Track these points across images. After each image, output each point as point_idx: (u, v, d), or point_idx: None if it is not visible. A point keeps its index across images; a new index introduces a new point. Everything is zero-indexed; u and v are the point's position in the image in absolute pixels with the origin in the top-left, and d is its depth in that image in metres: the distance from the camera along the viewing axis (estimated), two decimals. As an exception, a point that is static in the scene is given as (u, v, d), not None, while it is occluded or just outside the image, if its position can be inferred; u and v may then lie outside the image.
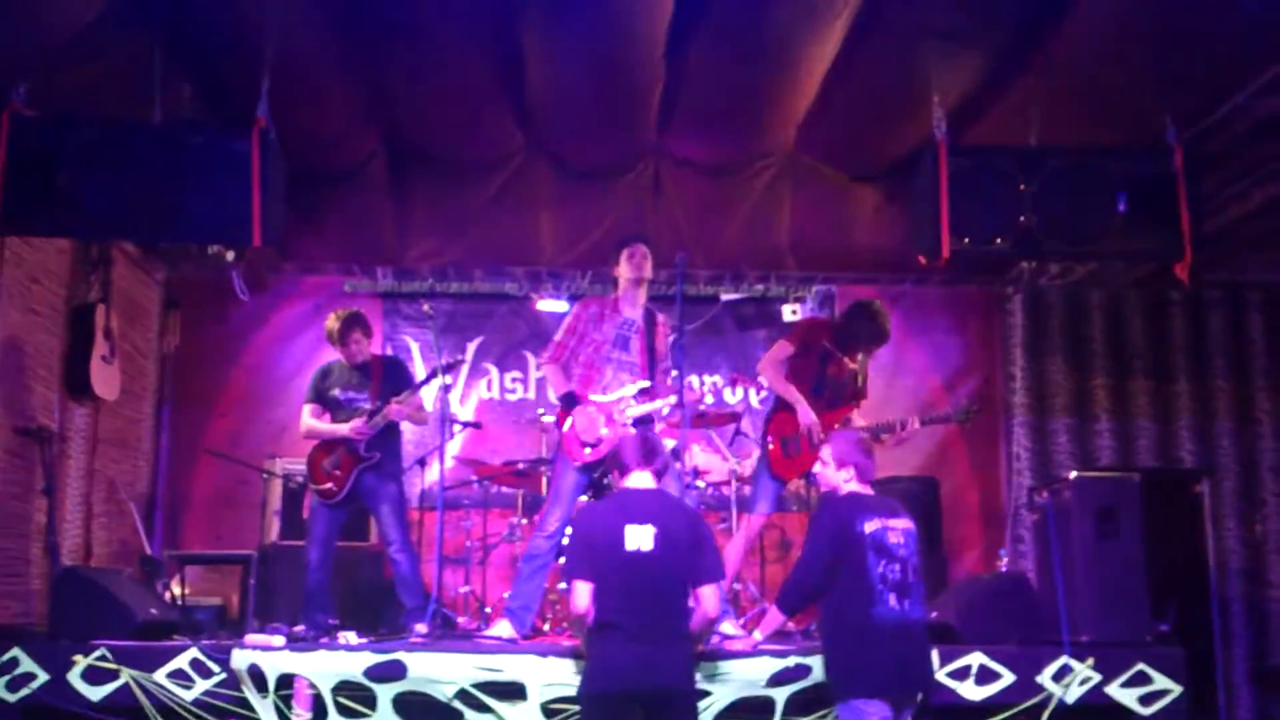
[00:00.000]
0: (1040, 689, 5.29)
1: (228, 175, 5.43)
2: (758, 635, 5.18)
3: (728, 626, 5.64)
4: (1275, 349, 8.59)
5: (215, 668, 5.14)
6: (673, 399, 5.68)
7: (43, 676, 5.16)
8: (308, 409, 6.46)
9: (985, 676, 5.29)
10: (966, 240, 5.68)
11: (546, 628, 6.83)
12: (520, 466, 7.59)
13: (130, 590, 5.93)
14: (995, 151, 5.84)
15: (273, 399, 8.56)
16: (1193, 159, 5.81)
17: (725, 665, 4.99)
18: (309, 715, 5.01)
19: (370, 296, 8.75)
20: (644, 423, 5.73)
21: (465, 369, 8.79)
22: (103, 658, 5.17)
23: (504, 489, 7.98)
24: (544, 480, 7.36)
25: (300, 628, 5.99)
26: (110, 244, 7.32)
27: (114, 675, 5.15)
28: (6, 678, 5.15)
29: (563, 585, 6.74)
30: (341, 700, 5.00)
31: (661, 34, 5.80)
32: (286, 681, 5.03)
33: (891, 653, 4.45)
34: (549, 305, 8.55)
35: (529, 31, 5.89)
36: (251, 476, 7.84)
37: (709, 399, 8.57)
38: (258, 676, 5.04)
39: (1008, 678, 5.29)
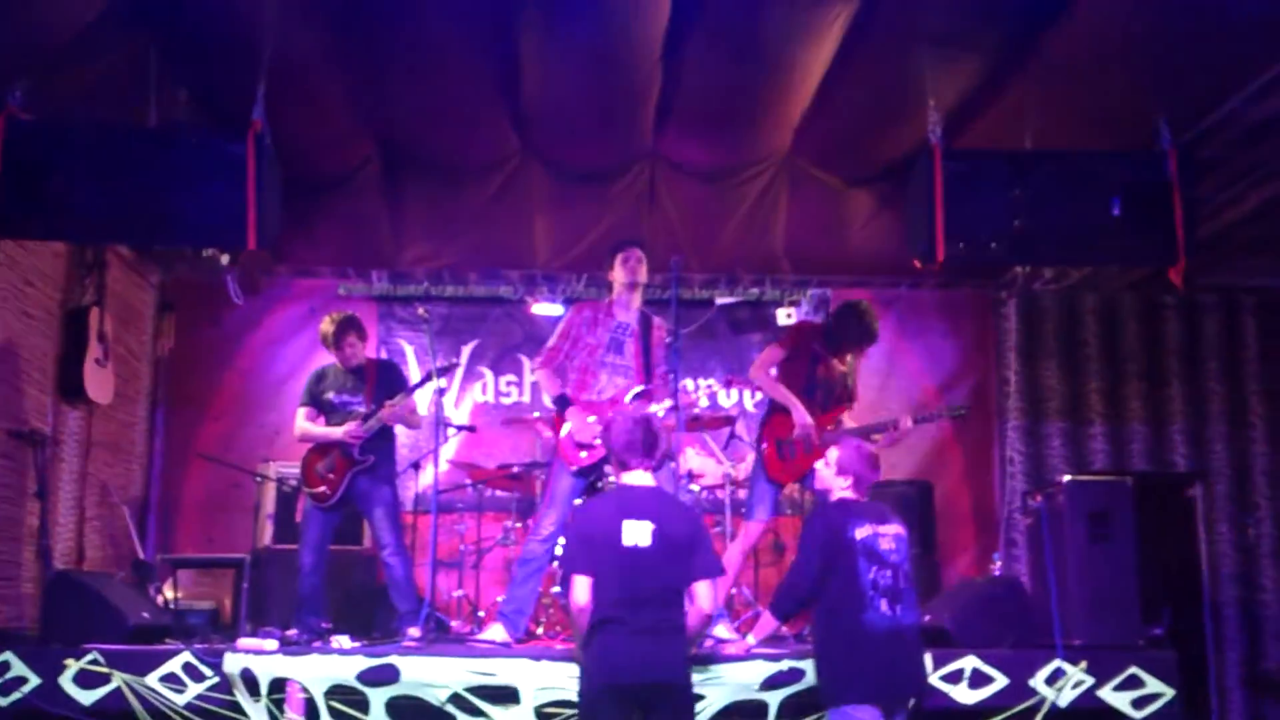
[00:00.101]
0: (1033, 693, 5.29)
1: (223, 178, 5.42)
2: (752, 639, 5.19)
3: (722, 630, 5.64)
4: (1269, 353, 8.63)
5: (208, 672, 5.12)
6: (668, 402, 5.68)
7: (34, 681, 5.14)
8: (302, 412, 6.46)
9: (978, 680, 5.29)
10: (961, 244, 5.69)
11: (540, 632, 6.83)
12: (514, 470, 7.60)
13: (122, 594, 5.91)
14: (990, 156, 5.86)
15: (267, 402, 8.56)
16: (1187, 163, 5.83)
17: (719, 669, 4.99)
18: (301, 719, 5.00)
19: (365, 300, 8.74)
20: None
21: (460, 372, 8.78)
22: (95, 662, 5.15)
23: (498, 493, 7.97)
24: (538, 484, 7.35)
25: (293, 631, 5.97)
26: (105, 247, 7.32)
27: (106, 679, 5.13)
28: (-2, 682, 5.14)
29: (556, 589, 6.75)
30: (334, 704, 4.98)
31: (658, 38, 5.80)
32: (279, 686, 5.01)
33: (883, 658, 4.45)
34: (544, 309, 8.54)
35: (525, 35, 5.89)
36: (245, 480, 7.83)
37: (704, 402, 8.57)
38: (250, 681, 5.03)
39: (1001, 681, 5.29)
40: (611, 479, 6.37)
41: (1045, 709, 5.25)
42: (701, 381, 8.80)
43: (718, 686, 4.96)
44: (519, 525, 7.58)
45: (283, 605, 6.55)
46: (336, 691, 5.00)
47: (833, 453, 4.83)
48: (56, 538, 6.91)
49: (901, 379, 8.83)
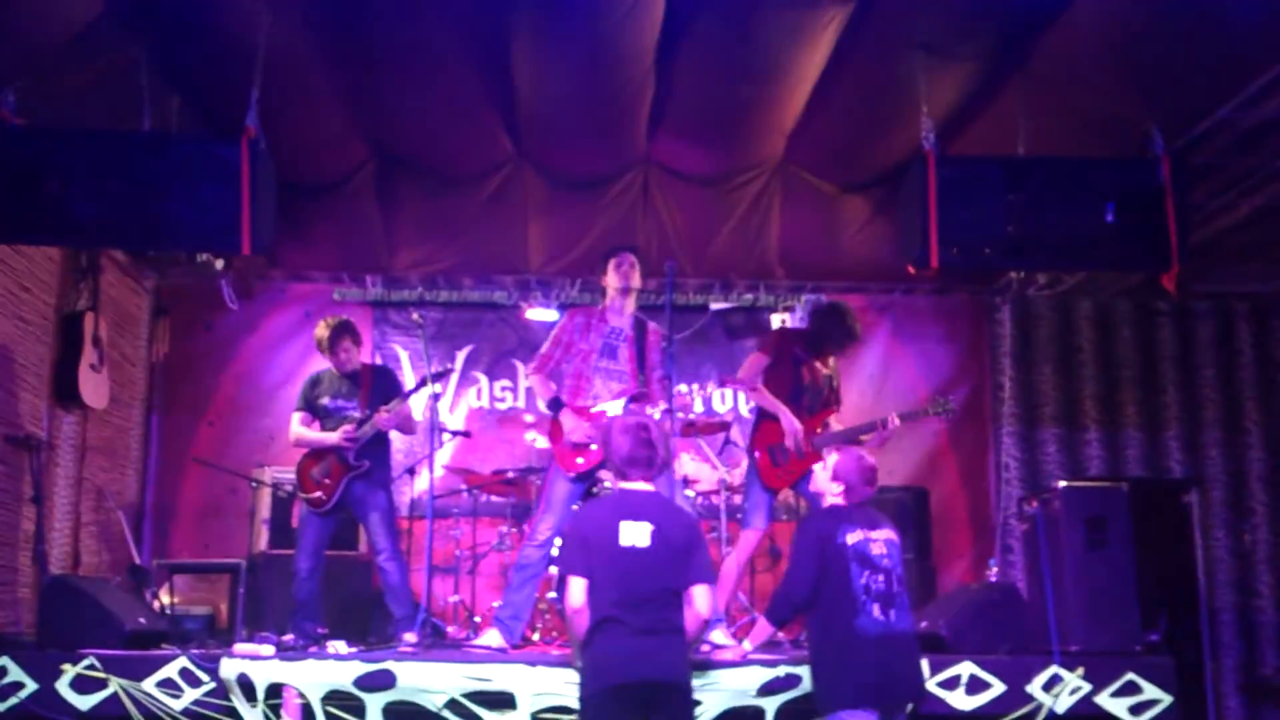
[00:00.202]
0: (1030, 699, 5.28)
1: (217, 183, 5.41)
2: (748, 645, 5.19)
3: (719, 636, 5.63)
4: (1263, 359, 8.64)
5: (204, 677, 5.11)
6: (664, 405, 5.68)
7: (31, 686, 5.12)
8: (297, 417, 6.45)
9: (975, 686, 5.29)
10: (955, 250, 5.69)
11: (536, 637, 6.82)
12: (510, 475, 7.59)
13: (119, 599, 5.91)
14: (983, 162, 5.86)
15: (262, 407, 8.54)
16: (1180, 170, 5.82)
17: (716, 674, 4.99)
18: (298, 724, 5.00)
19: (360, 305, 8.72)
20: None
21: (455, 378, 8.77)
22: (91, 667, 5.14)
23: (494, 498, 7.95)
24: (534, 489, 7.35)
25: (289, 637, 5.96)
26: (99, 252, 7.30)
27: (103, 684, 5.12)
28: (-6, 687, 5.13)
29: (552, 594, 6.74)
30: (330, 710, 4.98)
31: (651, 44, 5.81)
32: (275, 691, 5.00)
33: (875, 663, 4.44)
34: (538, 314, 8.53)
35: (519, 41, 5.90)
36: (240, 485, 7.83)
37: (699, 407, 8.56)
38: (247, 686, 5.01)
39: (998, 687, 5.29)
40: (608, 484, 6.39)
41: (1042, 715, 5.25)
42: (696, 387, 8.81)
43: (714, 692, 4.95)
44: (515, 530, 7.57)
45: (279, 610, 6.54)
46: (333, 697, 4.99)
47: (833, 457, 4.83)
48: (52, 543, 6.90)
49: (896, 384, 8.81)
